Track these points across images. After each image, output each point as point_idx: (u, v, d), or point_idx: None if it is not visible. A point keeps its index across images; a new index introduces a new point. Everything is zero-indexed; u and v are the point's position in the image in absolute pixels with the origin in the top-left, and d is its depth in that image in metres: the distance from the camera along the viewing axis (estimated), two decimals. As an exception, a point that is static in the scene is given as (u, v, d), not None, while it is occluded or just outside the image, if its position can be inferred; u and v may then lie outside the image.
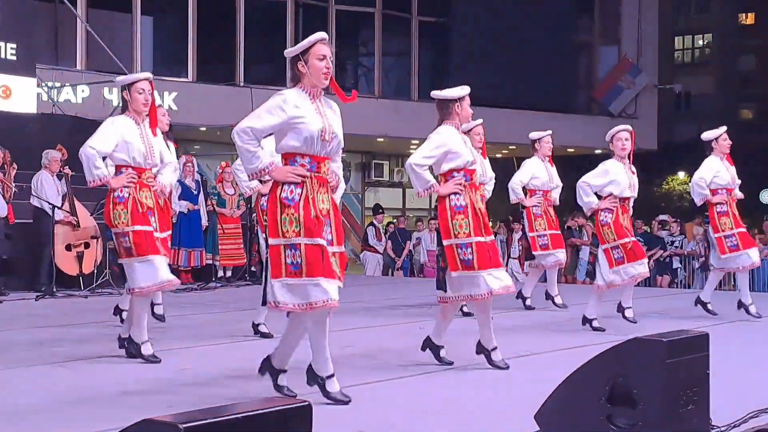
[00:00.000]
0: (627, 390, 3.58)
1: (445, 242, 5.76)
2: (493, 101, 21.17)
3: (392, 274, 16.83)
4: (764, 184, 35.74)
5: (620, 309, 7.83)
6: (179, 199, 12.42)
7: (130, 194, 5.89)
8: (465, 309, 8.21)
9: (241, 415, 2.52)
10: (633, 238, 7.57)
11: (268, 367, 4.91)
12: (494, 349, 5.87)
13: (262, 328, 7.08)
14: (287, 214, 4.63)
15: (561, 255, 9.42)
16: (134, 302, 5.99)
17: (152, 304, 7.86)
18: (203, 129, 19.42)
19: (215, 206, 12.71)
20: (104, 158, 6.00)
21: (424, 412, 4.74)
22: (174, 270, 12.30)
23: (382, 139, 22.06)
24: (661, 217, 16.93)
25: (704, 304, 8.68)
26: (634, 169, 7.59)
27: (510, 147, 23.74)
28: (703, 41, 43.98)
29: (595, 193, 7.55)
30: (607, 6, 26.01)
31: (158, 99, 18.58)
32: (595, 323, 7.61)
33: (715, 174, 8.39)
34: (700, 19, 42.98)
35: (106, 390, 5.18)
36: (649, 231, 16.37)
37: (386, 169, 24.80)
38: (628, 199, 7.53)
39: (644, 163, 18.29)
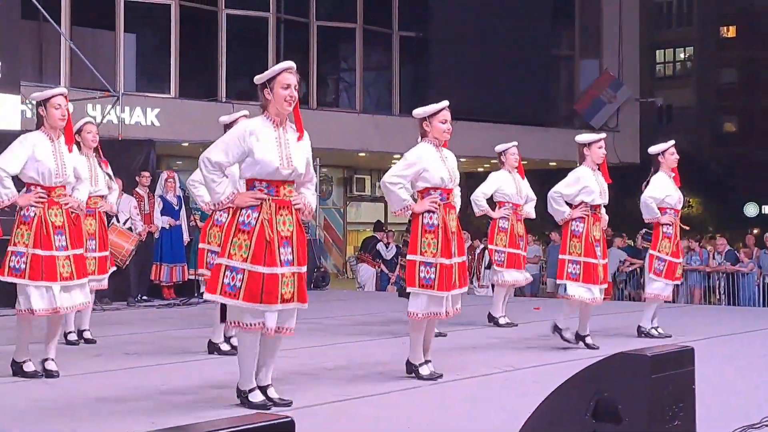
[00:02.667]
0: (612, 405, 3.56)
1: (409, 257, 5.83)
2: (474, 115, 21.21)
3: (385, 289, 16.81)
4: (747, 198, 35.98)
5: (557, 329, 7.45)
6: (161, 214, 12.39)
7: (36, 214, 5.86)
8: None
9: (223, 431, 2.49)
10: (596, 261, 7.34)
11: (239, 394, 5.03)
12: (427, 362, 5.95)
13: (224, 347, 7.01)
14: (239, 239, 4.85)
15: (512, 276, 9.05)
16: (20, 324, 5.97)
17: (80, 330, 7.83)
18: (185, 145, 19.38)
19: (198, 222, 12.66)
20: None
21: (408, 427, 4.72)
22: (156, 285, 12.46)
23: (363, 154, 22.06)
24: (645, 230, 16.92)
25: (646, 331, 8.19)
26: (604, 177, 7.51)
27: (492, 161, 23.76)
28: (685, 54, 44.24)
29: (567, 203, 7.49)
30: (588, 19, 26.13)
31: (141, 115, 18.79)
32: (588, 340, 7.45)
33: (667, 193, 8.11)
34: (681, 32, 43.24)
35: (87, 405, 5.14)
36: (632, 245, 16.40)
37: (368, 183, 24.81)
38: (599, 206, 7.45)
39: (626, 176, 18.34)
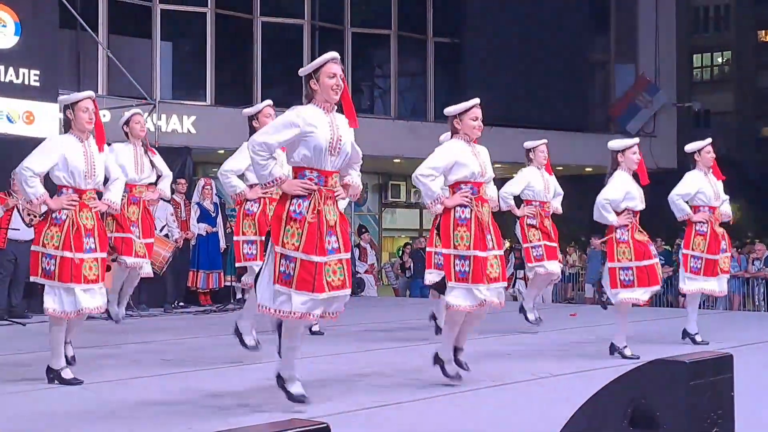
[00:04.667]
0: (649, 412, 3.53)
1: (444, 251, 5.84)
2: (509, 121, 21.12)
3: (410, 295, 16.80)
4: (785, 202, 35.46)
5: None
6: (198, 221, 12.48)
7: (68, 216, 5.88)
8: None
9: (260, 437, 2.50)
10: (653, 260, 7.25)
11: (281, 382, 5.10)
12: (450, 360, 5.95)
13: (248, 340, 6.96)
14: (292, 227, 4.90)
15: (553, 267, 9.06)
16: (52, 328, 5.99)
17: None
18: (222, 152, 19.47)
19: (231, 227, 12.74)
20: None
21: (445, 435, 4.71)
22: (192, 292, 12.54)
23: (398, 160, 22.05)
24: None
25: (691, 337, 8.19)
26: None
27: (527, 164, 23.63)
28: (722, 59, 43.78)
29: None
30: (624, 24, 25.94)
31: (177, 123, 18.92)
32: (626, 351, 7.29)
33: (699, 189, 8.08)
34: (718, 36, 42.79)
35: (126, 410, 5.18)
36: (670, 250, 16.26)
37: (403, 189, 24.78)
38: (638, 213, 7.37)
39: (664, 181, 18.17)
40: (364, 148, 5.35)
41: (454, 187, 5.90)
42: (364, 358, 7.12)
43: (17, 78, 13.13)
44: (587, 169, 22.69)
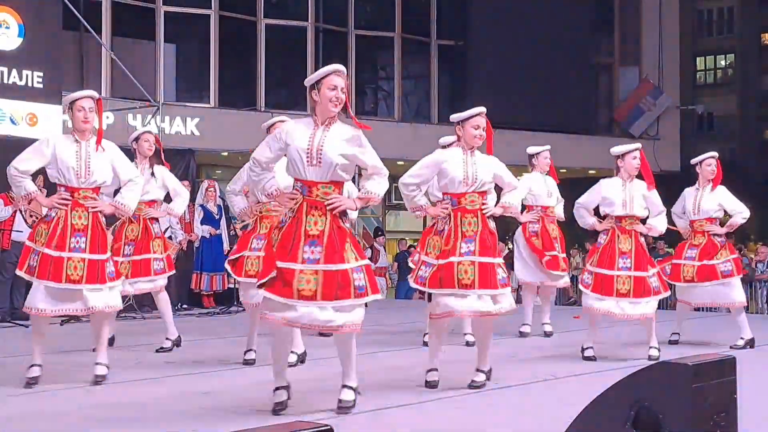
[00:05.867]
0: (652, 415, 3.53)
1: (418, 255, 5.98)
2: (513, 123, 21.12)
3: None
4: (789, 206, 35.40)
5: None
6: (201, 223, 12.49)
7: (57, 215, 5.91)
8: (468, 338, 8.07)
9: (262, 440, 2.50)
10: (614, 272, 7.15)
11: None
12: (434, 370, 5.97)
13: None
14: (275, 235, 5.01)
15: (556, 277, 9.01)
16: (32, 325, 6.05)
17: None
18: (225, 154, 19.53)
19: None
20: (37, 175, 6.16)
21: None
22: (196, 294, 12.53)
23: (402, 163, 22.04)
24: None
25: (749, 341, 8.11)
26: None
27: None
28: (726, 61, 43.79)
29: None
30: (627, 27, 25.96)
31: (181, 125, 18.94)
32: (587, 352, 7.32)
33: (684, 205, 8.36)
34: (722, 39, 42.80)
35: (129, 412, 5.18)
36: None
37: (407, 192, 24.80)
38: (624, 218, 7.27)
39: (667, 184, 18.15)
40: (368, 150, 5.36)
41: (444, 195, 6.03)
42: (367, 360, 7.10)
43: (20, 80, 13.14)
44: (591, 172, 22.68)
